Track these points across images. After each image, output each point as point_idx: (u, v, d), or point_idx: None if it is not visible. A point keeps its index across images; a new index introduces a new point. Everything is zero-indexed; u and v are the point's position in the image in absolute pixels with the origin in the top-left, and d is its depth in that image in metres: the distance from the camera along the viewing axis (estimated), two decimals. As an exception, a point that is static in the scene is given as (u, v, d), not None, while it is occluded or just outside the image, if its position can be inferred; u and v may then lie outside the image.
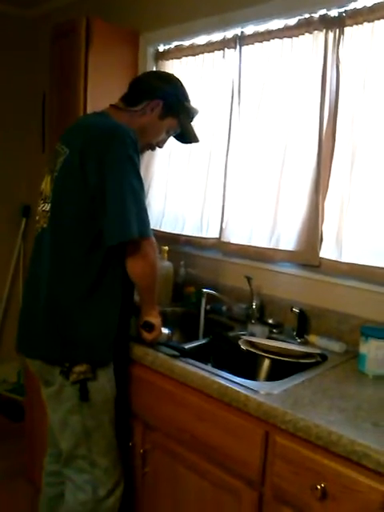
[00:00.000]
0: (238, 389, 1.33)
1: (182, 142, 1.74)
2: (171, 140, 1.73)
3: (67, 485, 1.56)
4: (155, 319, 1.61)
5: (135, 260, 1.45)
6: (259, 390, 1.32)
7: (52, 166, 1.50)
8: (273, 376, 1.59)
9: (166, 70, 2.34)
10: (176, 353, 1.56)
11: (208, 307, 2.00)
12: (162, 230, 2.36)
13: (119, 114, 1.54)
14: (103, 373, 1.49)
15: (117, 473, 1.56)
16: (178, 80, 1.66)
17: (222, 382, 1.38)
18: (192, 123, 1.68)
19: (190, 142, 1.74)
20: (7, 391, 3.24)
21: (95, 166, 1.37)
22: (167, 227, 2.35)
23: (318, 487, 1.15)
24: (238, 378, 1.40)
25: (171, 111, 1.59)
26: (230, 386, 1.35)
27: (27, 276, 1.60)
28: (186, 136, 1.68)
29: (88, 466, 1.51)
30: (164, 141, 1.67)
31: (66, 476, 1.56)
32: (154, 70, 2.40)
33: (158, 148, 1.69)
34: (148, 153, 2.37)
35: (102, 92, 2.23)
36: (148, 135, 1.59)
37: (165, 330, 1.66)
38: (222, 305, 2.04)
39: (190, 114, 1.65)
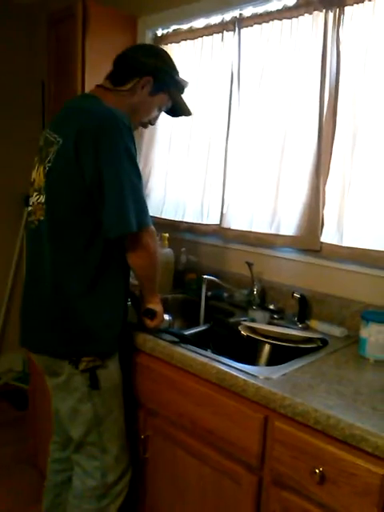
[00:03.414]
0: (236, 374, 1.33)
1: (174, 115, 1.70)
2: (167, 129, 1.71)
3: (76, 471, 1.57)
4: (157, 306, 1.60)
5: (136, 252, 1.44)
6: (258, 375, 1.32)
7: (43, 154, 1.45)
8: (273, 361, 1.58)
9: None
10: (176, 339, 1.55)
11: (209, 294, 2.00)
12: (162, 217, 2.35)
13: (108, 95, 1.49)
14: (111, 360, 1.50)
15: (125, 459, 1.57)
16: (165, 52, 1.61)
17: (221, 367, 1.37)
18: (183, 96, 1.64)
19: (182, 115, 1.69)
20: (13, 380, 3.27)
21: (91, 157, 1.33)
22: (168, 214, 2.34)
23: (317, 471, 1.15)
24: (238, 364, 1.39)
25: (162, 86, 1.54)
26: (229, 371, 1.35)
27: (27, 269, 1.55)
28: (178, 110, 1.64)
29: (98, 452, 1.51)
30: (156, 117, 1.63)
31: (76, 462, 1.56)
32: (139, 43, 2.32)
33: (150, 125, 1.66)
34: (148, 139, 2.39)
35: (100, 77, 2.19)
36: (140, 114, 1.56)
37: (166, 317, 1.66)
38: (223, 291, 2.03)
39: (180, 86, 1.61)
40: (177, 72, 1.60)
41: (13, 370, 3.35)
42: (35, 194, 1.48)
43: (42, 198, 1.44)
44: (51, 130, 1.46)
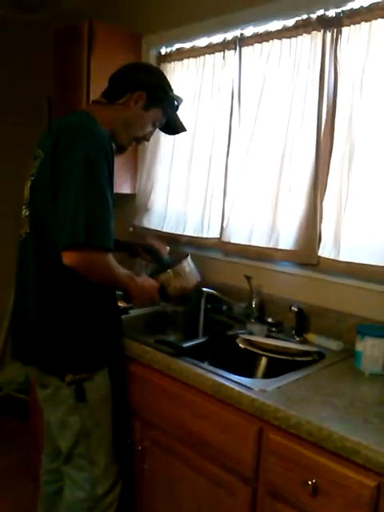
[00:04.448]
0: (231, 386, 1.35)
1: (169, 133, 1.72)
2: (170, 144, 1.74)
3: (66, 482, 1.58)
4: (132, 290, 1.53)
5: (83, 271, 1.34)
6: (253, 387, 1.33)
7: (31, 170, 1.48)
8: (270, 374, 1.60)
9: (169, 72, 2.37)
10: (173, 351, 1.58)
11: (208, 306, 2.02)
12: (164, 230, 2.38)
13: (101, 110, 1.51)
14: (98, 373, 1.50)
15: (114, 471, 1.57)
16: (158, 69, 1.64)
17: (217, 378, 1.39)
18: (177, 112, 1.66)
19: (177, 132, 1.71)
20: (15, 391, 3.28)
21: (56, 168, 1.34)
22: (169, 228, 2.37)
23: (310, 483, 1.16)
24: (233, 376, 1.41)
25: (155, 102, 1.56)
26: (225, 382, 1.37)
27: (16, 281, 1.56)
28: (173, 126, 1.66)
29: (87, 464, 1.52)
30: (150, 133, 1.64)
31: (66, 473, 1.58)
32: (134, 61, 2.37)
33: (145, 141, 1.66)
34: (150, 154, 2.43)
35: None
36: (133, 129, 1.56)
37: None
38: (222, 304, 2.05)
39: (174, 103, 1.63)
40: (170, 89, 1.62)
41: (14, 381, 3.36)
42: (23, 207, 1.51)
43: (27, 212, 1.47)
44: (38, 146, 1.50)
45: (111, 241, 1.36)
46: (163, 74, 1.64)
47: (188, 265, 1.74)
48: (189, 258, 1.78)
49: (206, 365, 1.51)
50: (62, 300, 1.43)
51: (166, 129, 1.70)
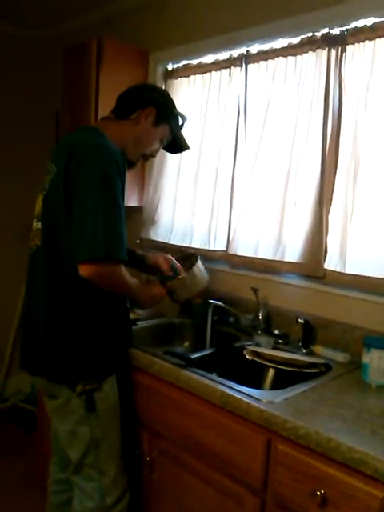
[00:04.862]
0: (240, 397, 1.37)
1: (174, 151, 1.78)
2: (176, 158, 1.77)
3: (75, 492, 1.60)
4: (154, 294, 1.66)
5: (102, 284, 1.40)
6: (261, 399, 1.35)
7: (44, 184, 1.52)
8: (277, 385, 1.62)
9: (175, 88, 2.43)
10: (182, 362, 1.60)
11: (215, 318, 2.04)
12: (170, 242, 2.41)
13: (112, 126, 1.57)
14: (107, 382, 1.53)
15: (124, 481, 1.59)
16: (164, 90, 1.73)
17: (225, 390, 1.41)
18: (182, 131, 1.72)
19: (182, 150, 1.77)
20: (21, 402, 3.30)
21: (70, 182, 1.38)
22: (176, 240, 2.40)
23: (318, 493, 1.17)
24: (241, 387, 1.43)
25: (164, 118, 1.62)
26: (233, 394, 1.39)
27: (25, 292, 1.60)
28: (178, 143, 1.72)
29: (97, 474, 1.54)
30: (157, 150, 1.69)
31: (75, 483, 1.59)
32: (143, 83, 2.41)
33: (151, 157, 1.72)
34: (157, 168, 2.47)
35: (113, 110, 2.31)
36: (143, 145, 1.61)
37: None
38: (229, 316, 2.07)
39: (179, 120, 1.69)
40: (176, 107, 1.70)
41: (21, 391, 3.38)
42: (35, 220, 1.55)
43: (39, 225, 1.50)
44: (50, 161, 1.54)
45: (125, 252, 1.40)
46: (169, 94, 1.72)
47: (197, 271, 1.77)
48: (198, 262, 1.81)
49: (214, 376, 1.53)
50: (72, 310, 1.46)
51: (170, 147, 1.75)
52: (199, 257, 1.88)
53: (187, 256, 1.94)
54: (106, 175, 1.36)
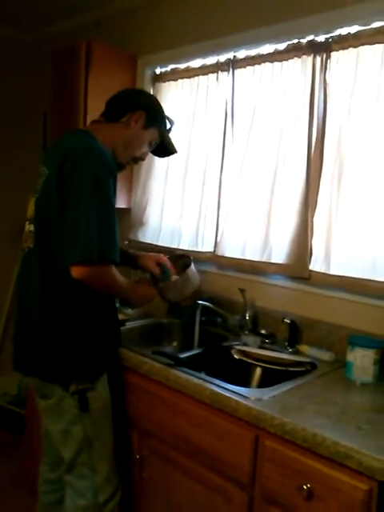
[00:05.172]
0: (228, 395, 1.40)
1: (162, 155, 1.82)
2: (165, 160, 1.80)
3: (67, 491, 1.61)
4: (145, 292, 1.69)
5: (94, 285, 1.43)
6: (249, 396, 1.39)
7: (36, 187, 1.54)
8: (264, 384, 1.65)
9: (163, 92, 2.46)
10: (171, 362, 1.63)
11: (203, 318, 2.07)
12: (159, 244, 2.44)
13: (102, 128, 1.60)
14: (99, 382, 1.56)
15: (115, 479, 1.61)
16: (153, 95, 1.78)
17: (214, 388, 1.45)
18: (170, 135, 1.76)
19: (169, 154, 1.81)
20: (8, 403, 3.29)
21: (64, 185, 1.41)
22: (164, 241, 2.43)
23: (305, 487, 1.21)
24: (230, 385, 1.47)
25: (153, 121, 1.66)
26: (222, 392, 1.42)
27: (18, 293, 1.63)
28: (166, 147, 1.76)
29: (89, 472, 1.56)
30: (146, 153, 1.73)
31: (67, 482, 1.61)
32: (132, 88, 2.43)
33: (141, 160, 1.75)
34: (145, 170, 2.50)
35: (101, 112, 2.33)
36: (133, 147, 1.65)
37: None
38: (217, 316, 2.11)
39: (167, 124, 1.74)
40: (164, 112, 1.74)
41: (7, 393, 3.37)
42: (27, 223, 1.57)
43: (32, 227, 1.53)
44: (42, 163, 1.57)
45: (118, 253, 1.43)
46: (157, 99, 1.78)
47: (190, 273, 1.80)
48: (192, 266, 1.84)
49: (203, 375, 1.56)
50: (65, 310, 1.48)
51: (158, 151, 1.79)
52: (192, 259, 1.90)
53: (179, 256, 1.96)
54: (99, 178, 1.39)
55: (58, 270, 1.45)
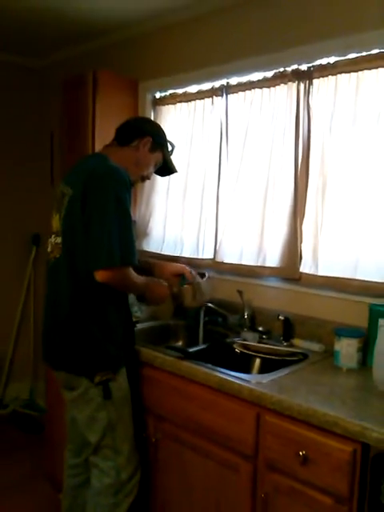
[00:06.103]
0: (233, 380, 1.63)
1: (164, 174, 2.08)
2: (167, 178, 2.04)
3: (93, 472, 1.83)
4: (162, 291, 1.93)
5: (118, 286, 1.69)
6: (251, 380, 1.62)
7: (60, 205, 1.77)
8: (263, 372, 1.87)
9: (163, 114, 2.70)
10: (181, 355, 1.85)
11: (206, 318, 2.30)
12: (162, 253, 2.67)
13: (115, 151, 1.84)
14: (120, 374, 1.78)
15: (136, 459, 1.83)
16: (156, 123, 2.07)
17: (221, 375, 1.67)
18: (171, 156, 2.02)
19: (171, 173, 2.06)
20: (21, 407, 3.48)
21: (88, 203, 1.65)
22: (167, 250, 2.66)
23: (300, 454, 1.44)
24: (235, 372, 1.70)
25: (158, 145, 1.92)
26: (228, 378, 1.65)
27: (46, 295, 1.85)
28: (168, 167, 2.01)
29: (113, 453, 1.77)
30: (151, 173, 1.99)
31: (93, 463, 1.82)
32: (139, 116, 2.71)
33: (147, 179, 2.01)
34: (148, 186, 2.73)
35: (108, 134, 2.52)
36: (141, 168, 1.90)
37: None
38: (218, 316, 2.33)
39: (169, 147, 2.00)
40: (167, 137, 1.99)
41: (19, 397, 3.56)
42: (53, 236, 1.81)
43: (59, 240, 1.76)
44: (65, 184, 1.80)
45: (136, 257, 1.68)
46: (160, 126, 2.04)
47: (209, 282, 2.05)
48: (205, 279, 2.10)
49: (210, 365, 1.78)
50: (90, 311, 1.71)
51: (161, 171, 2.04)
52: (208, 276, 2.16)
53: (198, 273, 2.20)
54: (118, 196, 1.64)
55: (82, 275, 1.68)
